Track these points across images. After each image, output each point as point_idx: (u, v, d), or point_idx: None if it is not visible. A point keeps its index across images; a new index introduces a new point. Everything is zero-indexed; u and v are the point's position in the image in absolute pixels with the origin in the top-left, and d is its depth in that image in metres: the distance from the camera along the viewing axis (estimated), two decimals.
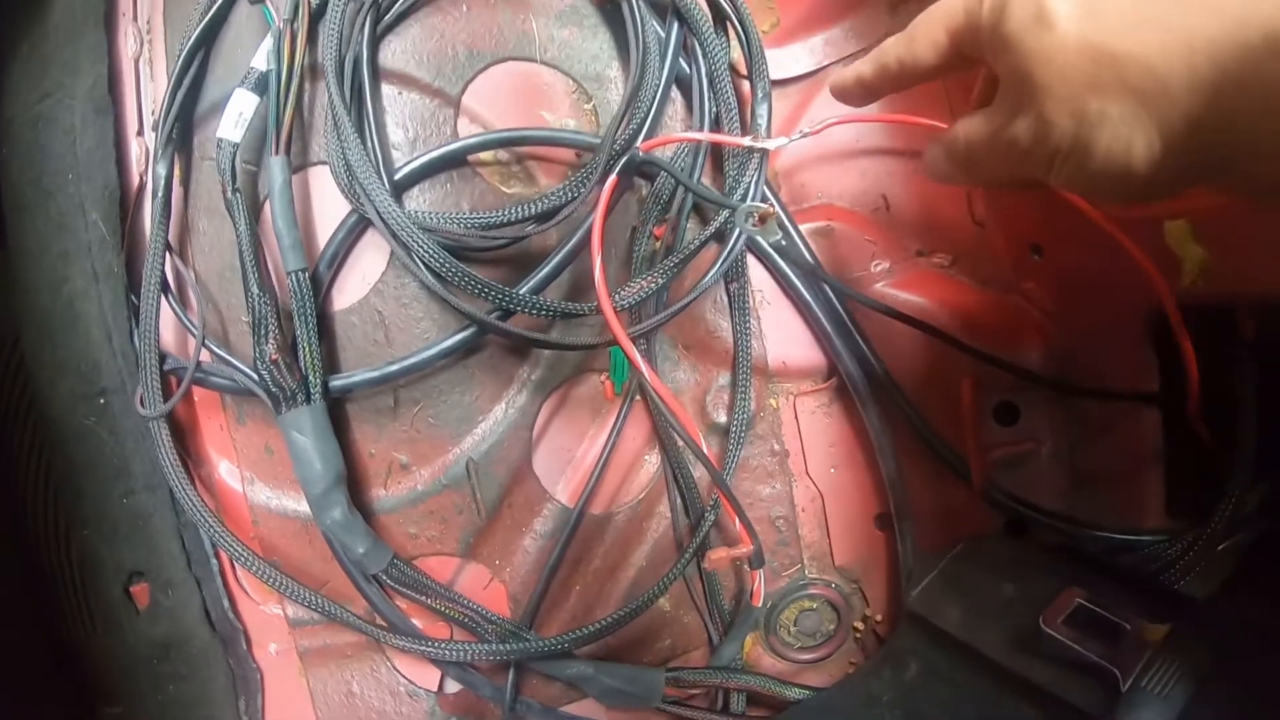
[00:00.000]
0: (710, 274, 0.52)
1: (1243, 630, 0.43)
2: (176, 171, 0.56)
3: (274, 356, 0.51)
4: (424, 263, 0.51)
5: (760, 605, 0.55)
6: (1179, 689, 0.40)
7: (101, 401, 0.57)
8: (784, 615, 0.61)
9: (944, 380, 0.55)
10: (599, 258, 0.47)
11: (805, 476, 0.58)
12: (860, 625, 0.61)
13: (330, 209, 0.55)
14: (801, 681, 0.60)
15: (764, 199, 0.54)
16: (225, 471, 0.57)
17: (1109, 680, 0.41)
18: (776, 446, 0.58)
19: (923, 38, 0.38)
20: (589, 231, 0.51)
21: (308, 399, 0.51)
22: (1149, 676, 0.41)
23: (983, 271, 0.57)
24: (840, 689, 0.56)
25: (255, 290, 0.51)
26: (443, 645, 0.53)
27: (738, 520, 0.51)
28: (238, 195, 0.53)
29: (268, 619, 0.58)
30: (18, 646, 0.72)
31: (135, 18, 0.60)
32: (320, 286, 0.54)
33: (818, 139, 0.56)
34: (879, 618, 0.60)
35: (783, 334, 0.57)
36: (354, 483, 0.55)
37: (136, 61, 0.59)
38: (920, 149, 0.58)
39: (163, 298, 0.55)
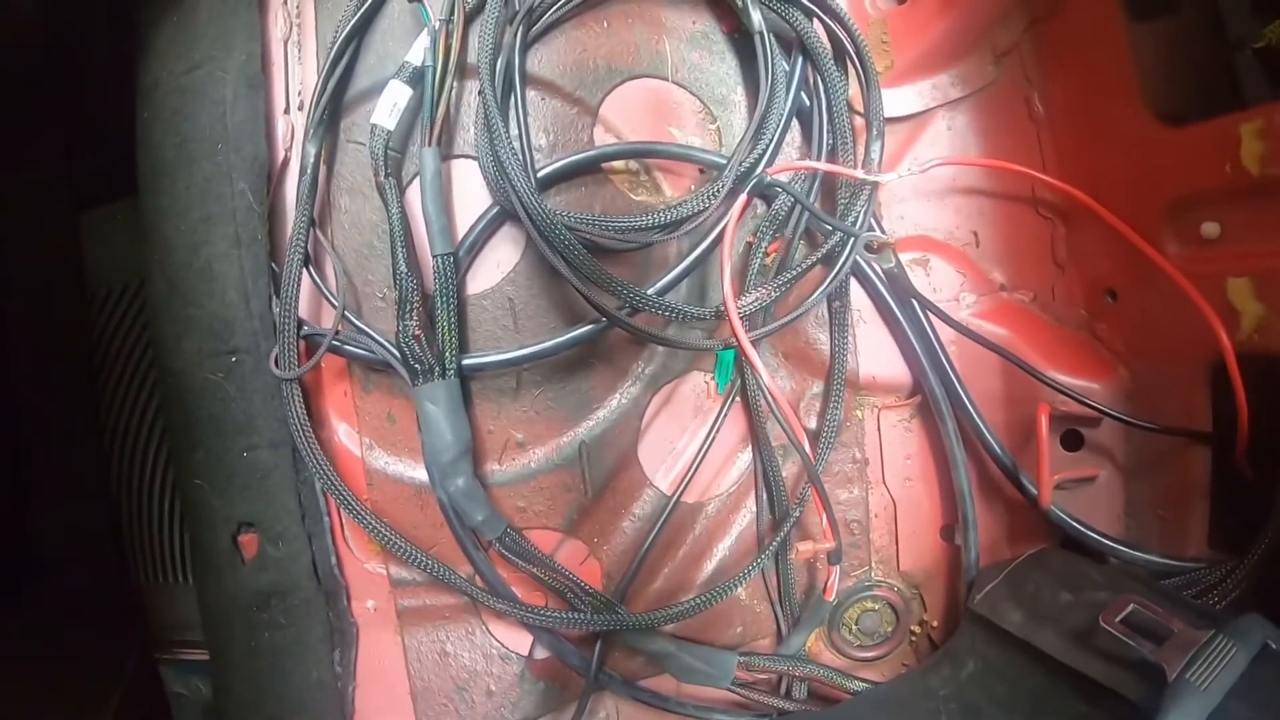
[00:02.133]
0: (818, 292, 0.60)
1: (1275, 639, 0.52)
2: (323, 151, 0.64)
3: (416, 332, 0.59)
4: (564, 257, 0.58)
5: (831, 600, 0.64)
6: (1217, 684, 0.49)
7: (233, 360, 0.64)
8: (848, 614, 0.69)
9: (1017, 406, 0.64)
10: (728, 267, 0.55)
11: (881, 485, 0.67)
12: (917, 629, 0.69)
13: (467, 201, 0.63)
14: (858, 677, 0.68)
15: (872, 228, 0.62)
16: (344, 435, 0.64)
17: (1157, 674, 0.50)
18: (858, 455, 0.67)
19: None
20: (715, 241, 0.59)
21: (443, 374, 0.59)
22: (1192, 672, 0.49)
23: (1060, 309, 0.66)
24: (899, 683, 0.65)
25: (403, 269, 0.59)
26: (540, 612, 0.61)
27: (824, 517, 0.60)
28: (390, 180, 0.60)
29: (369, 576, 0.65)
30: (95, 593, 0.79)
31: (285, 1, 0.67)
32: (459, 271, 0.61)
33: (921, 177, 0.65)
34: (935, 623, 0.69)
35: (874, 351, 0.65)
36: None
37: (286, 43, 0.67)
38: (1012, 193, 0.67)
39: (304, 268, 0.62)
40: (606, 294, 0.59)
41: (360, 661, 0.65)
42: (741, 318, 0.58)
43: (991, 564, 0.64)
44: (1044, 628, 0.57)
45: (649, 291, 0.59)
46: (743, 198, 0.57)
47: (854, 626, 0.69)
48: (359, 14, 0.63)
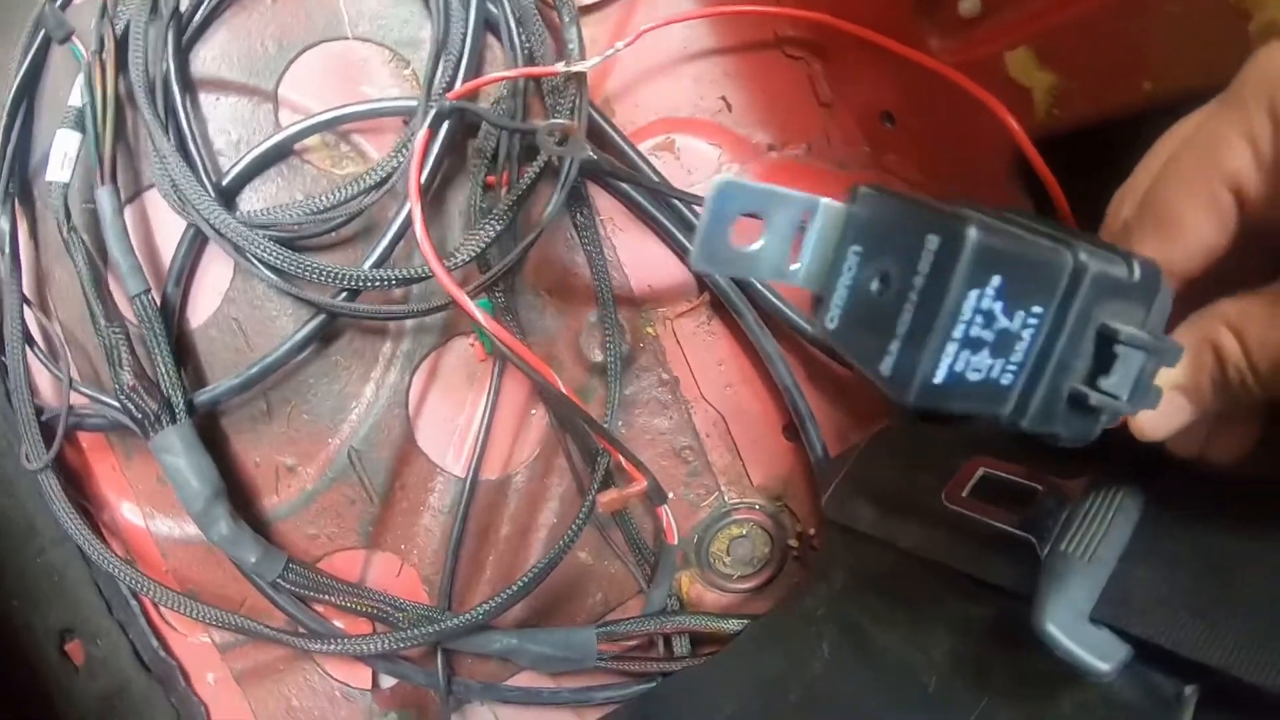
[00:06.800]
0: (550, 208, 0.49)
1: (1173, 476, 0.38)
2: (24, 225, 0.56)
3: (131, 383, 0.49)
4: (261, 261, 0.49)
5: (675, 543, 0.53)
6: (1106, 548, 0.34)
7: None
8: (714, 547, 0.57)
9: None
10: (419, 213, 0.45)
11: (702, 400, 0.55)
12: (796, 542, 0.57)
13: (169, 230, 0.54)
14: (749, 611, 0.56)
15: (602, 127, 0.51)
16: (128, 511, 0.56)
17: (1026, 550, 0.37)
18: (665, 375, 0.55)
19: (1196, 222, 0.26)
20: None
21: (173, 419, 0.50)
22: (1069, 539, 0.35)
23: (839, 153, 0.53)
24: (777, 612, 0.53)
25: (103, 322, 0.50)
26: (358, 640, 0.51)
27: (621, 457, 0.49)
28: (74, 234, 0.51)
29: (200, 649, 0.56)
30: None
31: None
32: (172, 305, 0.52)
33: (645, 53, 0.54)
34: (812, 531, 0.57)
35: (642, 258, 0.53)
36: (247, 493, 0.54)
37: None
38: (752, 42, 0.55)
39: (27, 350, 0.54)
40: (315, 286, 0.50)
41: None
42: (464, 265, 0.48)
43: (837, 456, 0.52)
44: (899, 519, 0.45)
45: (364, 267, 0.50)
46: (423, 132, 0.47)
47: (726, 559, 0.58)
48: (21, 73, 0.55)
